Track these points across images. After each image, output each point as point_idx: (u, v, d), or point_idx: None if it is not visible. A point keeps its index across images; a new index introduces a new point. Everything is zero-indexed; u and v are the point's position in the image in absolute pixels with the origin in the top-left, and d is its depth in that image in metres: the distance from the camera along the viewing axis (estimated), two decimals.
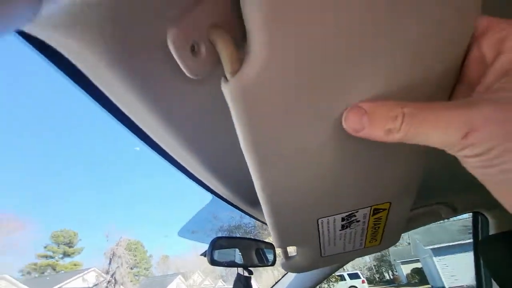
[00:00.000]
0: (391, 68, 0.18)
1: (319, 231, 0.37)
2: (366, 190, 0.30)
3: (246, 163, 0.24)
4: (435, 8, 0.16)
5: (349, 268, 17.92)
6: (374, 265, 22.47)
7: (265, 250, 0.90)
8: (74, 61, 0.20)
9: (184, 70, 0.19)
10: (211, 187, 0.43)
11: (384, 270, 21.96)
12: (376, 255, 19.48)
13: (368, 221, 0.37)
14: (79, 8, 0.15)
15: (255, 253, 0.87)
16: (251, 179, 0.26)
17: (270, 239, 0.78)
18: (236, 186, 0.42)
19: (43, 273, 21.55)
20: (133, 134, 0.29)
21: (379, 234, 0.42)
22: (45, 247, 22.93)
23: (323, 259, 0.48)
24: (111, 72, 0.19)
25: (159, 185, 56.63)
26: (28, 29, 0.16)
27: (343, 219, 0.36)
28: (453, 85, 0.20)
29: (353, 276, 14.69)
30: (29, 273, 21.75)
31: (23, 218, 38.71)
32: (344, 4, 0.15)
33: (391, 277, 20.55)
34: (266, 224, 0.38)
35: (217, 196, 0.48)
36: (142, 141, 0.30)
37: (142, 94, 0.22)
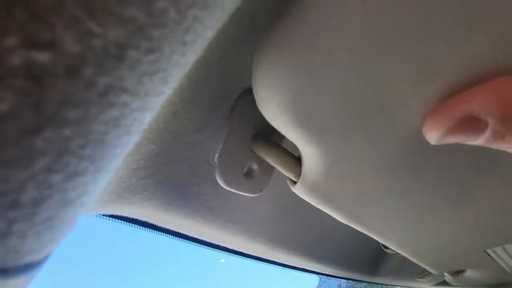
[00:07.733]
0: None
1: (491, 256, 0.29)
2: None
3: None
4: None
5: None
6: None
7: None
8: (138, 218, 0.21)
9: (247, 195, 0.19)
10: (321, 271, 0.42)
11: None
12: None
13: None
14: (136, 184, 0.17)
15: None
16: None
17: None
18: (346, 261, 0.41)
19: None
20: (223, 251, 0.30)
21: None
22: None
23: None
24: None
25: None
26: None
27: None
28: None
29: None
30: None
31: None
32: None
33: None
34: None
35: (328, 276, 0.47)
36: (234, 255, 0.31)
37: (220, 223, 0.23)
